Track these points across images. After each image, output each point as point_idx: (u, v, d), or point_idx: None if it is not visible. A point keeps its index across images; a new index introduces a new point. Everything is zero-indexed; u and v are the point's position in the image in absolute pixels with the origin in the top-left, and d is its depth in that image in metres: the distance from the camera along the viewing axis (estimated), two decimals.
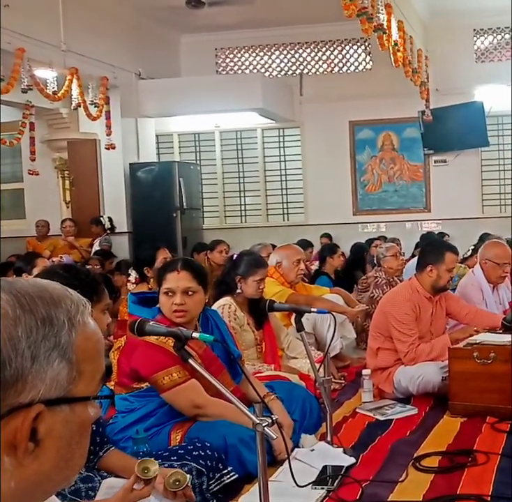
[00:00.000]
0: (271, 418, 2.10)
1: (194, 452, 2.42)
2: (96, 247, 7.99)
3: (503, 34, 9.04)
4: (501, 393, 3.41)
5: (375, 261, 5.84)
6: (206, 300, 2.98)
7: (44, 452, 0.76)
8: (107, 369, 4.30)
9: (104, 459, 2.26)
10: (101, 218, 8.25)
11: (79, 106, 6.80)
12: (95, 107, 7.07)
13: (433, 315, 3.99)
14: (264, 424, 2.05)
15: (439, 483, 2.67)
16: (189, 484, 2.09)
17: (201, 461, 2.39)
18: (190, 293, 2.81)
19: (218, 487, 2.45)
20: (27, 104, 7.11)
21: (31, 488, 0.76)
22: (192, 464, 2.34)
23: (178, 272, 2.83)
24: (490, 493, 2.55)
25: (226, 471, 2.50)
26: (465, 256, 7.54)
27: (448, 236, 8.72)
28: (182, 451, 2.44)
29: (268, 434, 2.07)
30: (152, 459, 2.06)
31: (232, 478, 2.51)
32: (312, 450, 2.96)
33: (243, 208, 9.89)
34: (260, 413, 2.16)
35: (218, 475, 2.45)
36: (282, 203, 9.78)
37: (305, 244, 7.73)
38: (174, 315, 2.82)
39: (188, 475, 2.15)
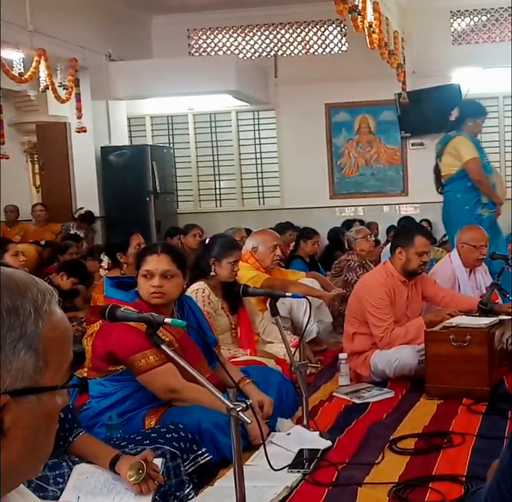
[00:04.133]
0: (246, 403, 2.07)
1: (167, 435, 2.41)
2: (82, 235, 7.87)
3: (480, 16, 9.02)
4: (477, 375, 3.43)
5: (346, 245, 5.83)
6: (184, 286, 2.96)
7: (11, 442, 0.75)
8: (81, 355, 4.23)
9: (75, 444, 2.24)
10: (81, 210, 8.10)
11: (48, 88, 6.65)
12: (64, 89, 6.92)
13: (409, 299, 3.99)
14: (238, 409, 2.03)
15: (415, 465, 2.68)
16: (157, 466, 2.05)
17: (174, 443, 2.37)
18: (168, 276, 2.82)
19: (193, 468, 2.43)
20: None
21: None
22: (165, 446, 2.32)
23: (158, 254, 2.84)
24: (465, 474, 2.56)
25: (200, 452, 2.48)
26: (444, 240, 7.56)
27: (430, 222, 8.74)
28: (155, 434, 2.42)
29: (243, 418, 2.05)
30: (141, 460, 2.02)
31: (206, 459, 2.49)
32: (288, 434, 2.96)
33: (217, 191, 9.81)
34: (234, 397, 2.14)
35: (192, 456, 2.44)
36: (258, 186, 9.72)
37: (288, 226, 7.74)
38: (151, 296, 2.80)
39: (160, 459, 2.10)
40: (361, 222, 8.03)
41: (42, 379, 0.77)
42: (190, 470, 2.40)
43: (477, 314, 3.88)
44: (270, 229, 5.42)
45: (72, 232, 7.76)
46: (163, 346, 2.35)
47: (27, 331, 0.76)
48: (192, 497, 2.34)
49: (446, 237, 6.75)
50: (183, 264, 2.91)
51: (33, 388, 0.77)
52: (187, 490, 2.32)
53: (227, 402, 2.07)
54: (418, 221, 8.65)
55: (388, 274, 3.94)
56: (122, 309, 2.43)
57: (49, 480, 2.09)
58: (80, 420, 2.80)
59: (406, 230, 4.17)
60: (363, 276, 4.52)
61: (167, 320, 2.32)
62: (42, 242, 7.35)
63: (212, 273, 3.72)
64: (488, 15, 8.96)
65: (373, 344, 3.88)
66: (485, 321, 3.60)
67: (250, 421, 2.08)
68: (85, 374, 3.41)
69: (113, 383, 2.78)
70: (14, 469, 0.77)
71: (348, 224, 8.16)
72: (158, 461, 2.18)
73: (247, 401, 2.13)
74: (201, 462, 2.47)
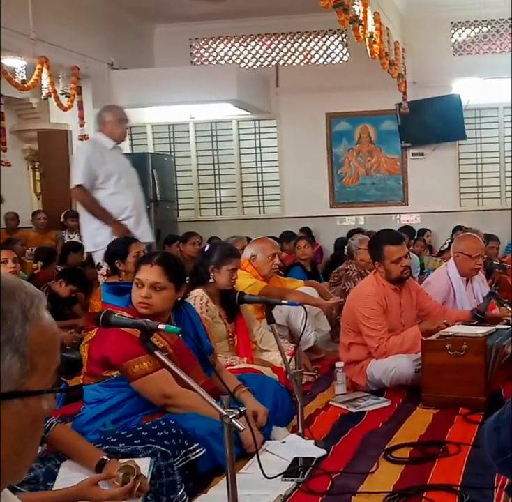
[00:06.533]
0: (239, 410, 2.07)
1: (158, 433, 2.39)
2: (77, 238, 7.88)
3: (480, 27, 9.07)
4: (474, 385, 3.41)
5: (346, 252, 5.83)
6: (179, 298, 2.94)
7: None
8: (78, 362, 4.23)
9: (50, 437, 2.21)
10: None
11: (50, 96, 6.68)
12: (66, 97, 6.94)
13: (402, 306, 3.97)
14: (231, 416, 2.03)
15: (410, 474, 2.66)
16: (143, 475, 2.04)
17: (165, 441, 2.34)
18: (157, 288, 2.80)
19: (183, 463, 2.41)
20: None
21: None
22: (156, 446, 2.30)
23: (151, 265, 2.82)
24: (459, 483, 2.54)
25: (192, 448, 2.46)
26: (441, 249, 7.59)
27: (430, 231, 8.75)
28: (146, 432, 2.40)
29: (236, 425, 2.04)
30: (132, 465, 2.02)
31: (198, 455, 2.47)
32: (283, 443, 2.94)
33: (218, 200, 9.83)
34: (228, 405, 2.13)
35: (184, 451, 2.42)
36: (258, 195, 9.74)
37: (290, 236, 7.76)
38: (139, 306, 2.81)
39: (149, 460, 2.08)
40: (360, 231, 8.03)
41: (28, 383, 0.77)
42: (180, 465, 2.38)
43: (474, 323, 3.87)
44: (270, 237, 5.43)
45: (66, 240, 7.78)
46: (157, 353, 2.35)
47: (14, 335, 0.76)
48: (185, 499, 2.32)
49: (445, 246, 6.75)
50: (177, 277, 2.87)
51: (19, 392, 0.76)
52: (180, 492, 2.29)
53: (220, 409, 2.06)
54: (417, 230, 8.67)
55: (379, 283, 3.92)
56: (116, 315, 2.43)
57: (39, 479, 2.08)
58: (74, 426, 2.82)
59: (375, 243, 4.04)
60: (355, 287, 4.50)
61: (161, 326, 2.32)
62: None
63: (211, 280, 3.72)
64: (489, 26, 9.00)
65: (369, 353, 3.86)
66: (481, 330, 3.59)
67: (243, 428, 2.08)
68: (81, 381, 3.40)
69: (107, 389, 2.77)
70: None
71: (351, 234, 8.16)
72: (146, 461, 2.16)
73: (240, 408, 2.12)
74: (191, 458, 2.44)
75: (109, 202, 4.79)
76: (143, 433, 2.40)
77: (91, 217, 4.79)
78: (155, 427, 2.44)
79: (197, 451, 2.47)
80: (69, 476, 2.05)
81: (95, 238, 4.74)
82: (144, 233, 4.97)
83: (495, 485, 2.46)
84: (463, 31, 9.14)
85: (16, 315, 0.77)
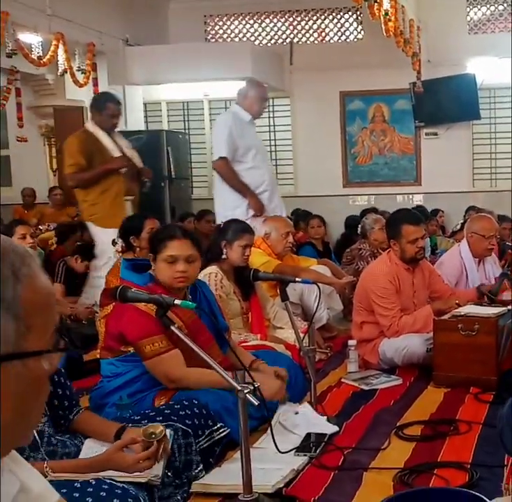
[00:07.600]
0: (253, 385, 2.11)
1: (180, 412, 2.41)
2: None
3: (496, 5, 8.93)
4: (485, 364, 3.44)
5: (359, 231, 5.84)
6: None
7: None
8: (94, 337, 4.30)
9: (76, 421, 2.26)
10: None
11: (66, 72, 6.68)
12: (82, 73, 6.94)
13: (414, 286, 3.99)
14: (246, 391, 2.07)
15: (421, 451, 2.70)
16: (167, 437, 2.08)
17: (187, 420, 2.37)
18: (191, 260, 2.87)
19: (208, 443, 2.44)
20: (12, 69, 6.98)
21: None
22: (177, 424, 2.32)
23: (181, 239, 2.88)
24: (470, 461, 2.58)
25: (216, 428, 2.49)
26: (454, 230, 7.57)
27: (443, 211, 8.72)
28: (168, 411, 2.43)
29: (250, 400, 2.08)
30: (157, 424, 2.06)
31: (223, 434, 2.51)
32: (297, 413, 2.97)
33: None
34: (242, 380, 2.18)
35: (208, 431, 2.44)
36: (272, 173, 9.71)
37: (305, 214, 7.76)
38: (176, 281, 2.84)
39: (168, 431, 2.13)
40: (375, 211, 8.03)
41: (25, 344, 0.75)
42: (205, 445, 2.41)
43: (486, 304, 3.89)
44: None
45: None
46: (173, 328, 2.39)
47: (5, 296, 0.74)
48: (202, 476, 2.36)
49: (457, 227, 6.73)
50: (201, 247, 3.00)
51: (17, 354, 0.75)
52: (196, 471, 2.33)
53: (235, 384, 2.11)
54: (430, 210, 8.64)
55: (392, 262, 3.93)
56: (133, 290, 2.48)
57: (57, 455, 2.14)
58: (92, 399, 2.88)
59: (393, 221, 4.06)
60: (368, 266, 4.52)
61: (177, 301, 2.36)
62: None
63: (223, 257, 3.76)
64: (505, 5, 8.86)
65: (381, 332, 3.89)
66: (493, 310, 3.62)
67: (257, 403, 2.12)
68: (98, 356, 3.47)
69: (124, 364, 2.82)
70: (5, 436, 0.76)
71: (364, 214, 8.15)
72: (167, 432, 2.21)
73: (254, 383, 2.17)
74: (216, 438, 2.47)
75: (247, 176, 4.90)
76: (166, 411, 2.43)
77: (230, 190, 4.89)
78: (178, 406, 2.46)
79: (220, 431, 2.50)
80: (93, 450, 2.10)
81: (232, 210, 4.80)
82: (277, 207, 5.13)
83: (505, 463, 2.50)
84: (479, 10, 9.00)
85: (6, 276, 0.75)
